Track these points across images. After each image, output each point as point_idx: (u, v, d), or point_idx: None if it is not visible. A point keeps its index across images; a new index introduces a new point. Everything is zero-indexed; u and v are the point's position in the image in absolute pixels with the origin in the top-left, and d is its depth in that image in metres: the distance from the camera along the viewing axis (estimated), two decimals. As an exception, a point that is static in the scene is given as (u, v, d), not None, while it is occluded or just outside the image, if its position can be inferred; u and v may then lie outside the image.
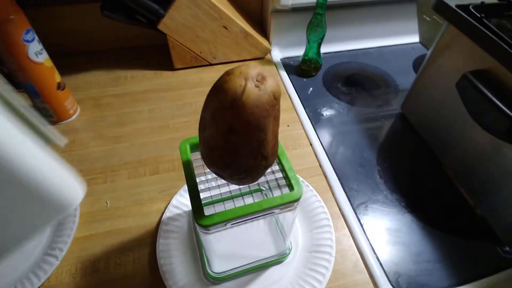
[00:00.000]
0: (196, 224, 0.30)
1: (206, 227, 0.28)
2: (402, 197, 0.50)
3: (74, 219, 0.43)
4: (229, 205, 0.30)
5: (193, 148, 0.34)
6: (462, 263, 0.43)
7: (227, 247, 0.41)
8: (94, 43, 0.70)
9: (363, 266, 0.42)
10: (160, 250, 0.41)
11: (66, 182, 0.24)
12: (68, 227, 0.43)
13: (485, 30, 0.41)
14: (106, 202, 0.47)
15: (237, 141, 0.24)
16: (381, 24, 0.77)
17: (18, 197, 0.21)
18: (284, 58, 0.73)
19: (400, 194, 0.50)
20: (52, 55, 0.52)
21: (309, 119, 0.60)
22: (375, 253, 0.43)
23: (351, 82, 0.69)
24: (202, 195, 0.30)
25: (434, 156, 0.55)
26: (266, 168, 0.29)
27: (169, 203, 0.46)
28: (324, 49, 0.72)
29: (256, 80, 0.23)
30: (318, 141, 0.56)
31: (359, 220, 0.46)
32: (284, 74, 0.69)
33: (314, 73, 0.69)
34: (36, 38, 0.48)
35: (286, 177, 0.32)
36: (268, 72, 0.24)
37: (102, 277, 0.40)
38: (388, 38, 0.78)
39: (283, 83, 0.67)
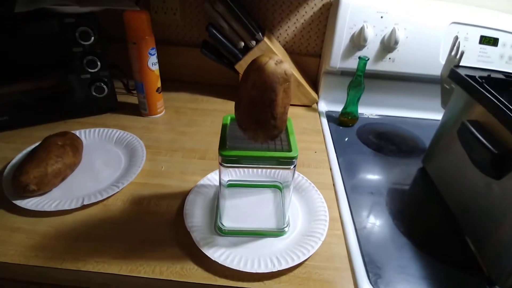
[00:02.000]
0: (219, 160, 0.42)
1: (225, 157, 0.41)
2: (401, 223, 0.54)
3: (138, 169, 0.59)
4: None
5: (232, 120, 0.48)
6: None
7: (238, 211, 0.51)
8: (191, 76, 0.95)
9: (347, 260, 0.47)
10: (188, 200, 0.53)
11: None
12: (132, 172, 0.58)
13: (482, 90, 0.50)
14: (162, 166, 0.62)
15: (256, 94, 0.38)
16: (418, 98, 0.87)
17: None
18: (328, 110, 0.87)
19: (401, 221, 0.55)
20: (161, 77, 0.76)
21: (335, 152, 0.70)
22: (362, 256, 0.48)
23: (382, 137, 0.78)
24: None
25: (444, 202, 0.59)
26: (275, 128, 0.41)
27: (204, 177, 0.59)
28: (363, 110, 0.85)
29: (276, 61, 0.38)
30: (338, 167, 0.65)
31: (355, 228, 0.52)
32: (324, 120, 0.82)
33: (350, 124, 0.81)
34: (156, 54, 0.73)
35: (289, 144, 0.43)
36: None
37: (143, 209, 0.53)
38: (424, 112, 0.88)
39: (321, 125, 0.80)
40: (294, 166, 0.43)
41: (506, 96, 0.49)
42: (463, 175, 0.54)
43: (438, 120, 0.86)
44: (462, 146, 0.52)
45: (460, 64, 0.62)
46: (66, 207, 0.50)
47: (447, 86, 0.65)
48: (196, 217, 0.50)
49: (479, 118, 0.51)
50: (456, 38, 0.63)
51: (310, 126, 0.79)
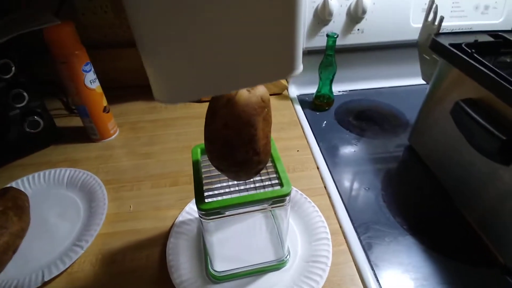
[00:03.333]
0: (199, 213, 0.35)
1: (205, 211, 0.33)
2: (404, 220, 0.51)
3: (101, 217, 0.50)
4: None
5: (203, 152, 0.40)
6: None
7: (229, 248, 0.45)
8: (139, 79, 0.82)
9: (360, 280, 0.43)
10: (170, 247, 0.46)
11: (300, 51, 0.23)
12: (95, 223, 0.49)
13: (473, 63, 0.45)
14: (130, 206, 0.53)
15: (231, 134, 0.30)
16: (392, 66, 0.82)
17: (276, 28, 0.20)
18: (300, 95, 0.80)
19: (403, 218, 0.51)
20: (104, 87, 0.64)
21: (318, 146, 0.64)
22: (373, 269, 0.44)
23: (362, 117, 0.73)
24: (206, 194, 0.35)
25: (439, 184, 0.56)
26: (259, 164, 0.34)
27: (183, 210, 0.51)
28: (337, 87, 0.79)
29: (247, 88, 0.30)
30: (325, 164, 0.59)
31: (359, 238, 0.48)
32: (298, 108, 0.75)
33: (327, 108, 0.75)
34: (92, 69, 0.60)
35: (278, 177, 0.36)
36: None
37: (118, 268, 0.45)
38: (400, 79, 0.83)
39: (297, 115, 0.73)
40: (289, 201, 0.36)
41: (502, 66, 0.45)
42: (461, 157, 0.50)
43: (414, 85, 0.83)
44: (459, 129, 0.48)
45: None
46: (24, 289, 0.41)
47: (427, 57, 0.60)
48: (183, 268, 0.43)
49: (474, 95, 0.47)
50: (432, 1, 0.57)
51: (286, 119, 0.72)
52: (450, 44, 0.51)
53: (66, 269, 0.44)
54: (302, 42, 0.24)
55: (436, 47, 0.53)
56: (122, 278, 0.43)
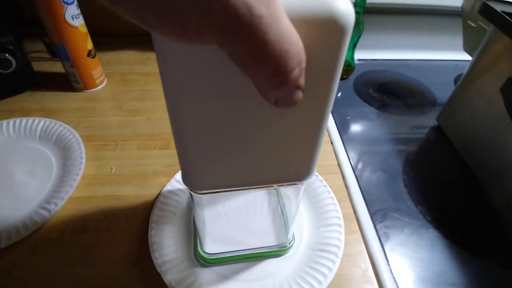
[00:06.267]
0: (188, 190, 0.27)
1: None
2: (428, 210, 0.44)
3: (76, 178, 0.42)
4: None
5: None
6: (494, 293, 0.37)
7: (223, 226, 0.38)
8: (132, 26, 0.72)
9: (374, 276, 0.36)
10: (153, 220, 0.38)
11: (317, 161, 0.25)
12: (68, 184, 0.42)
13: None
14: (112, 168, 0.46)
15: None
16: (423, 36, 0.73)
17: None
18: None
19: (426, 207, 0.44)
20: (92, 33, 0.54)
21: (333, 118, 0.56)
22: (388, 264, 0.38)
23: (384, 90, 0.65)
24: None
25: (469, 172, 0.49)
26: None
27: (172, 178, 0.44)
28: (359, 55, 0.69)
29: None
30: (340, 139, 0.52)
31: (374, 226, 0.41)
32: (313, 74, 0.66)
33: (345, 76, 0.66)
34: (76, 2, 0.50)
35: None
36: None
37: (90, 238, 0.38)
38: (430, 51, 0.74)
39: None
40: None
41: None
42: (503, 143, 0.43)
43: (446, 60, 0.73)
44: (507, 109, 0.39)
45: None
46: (-27, 257, 0.34)
47: (472, 24, 0.50)
48: (167, 246, 0.36)
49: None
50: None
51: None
52: (503, 12, 0.41)
53: (29, 235, 0.37)
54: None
55: (486, 12, 0.44)
56: (94, 252, 0.37)
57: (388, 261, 0.38)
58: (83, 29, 0.53)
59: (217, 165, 0.23)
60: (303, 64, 0.16)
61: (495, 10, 0.42)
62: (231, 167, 0.24)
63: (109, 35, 0.70)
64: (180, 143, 0.22)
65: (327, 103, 0.21)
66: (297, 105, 0.18)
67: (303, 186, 0.30)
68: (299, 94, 0.17)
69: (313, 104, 0.21)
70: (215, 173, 0.24)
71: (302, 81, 0.17)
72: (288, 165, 0.24)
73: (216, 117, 0.20)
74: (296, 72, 0.16)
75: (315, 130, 0.22)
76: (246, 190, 0.30)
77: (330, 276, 0.34)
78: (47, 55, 0.66)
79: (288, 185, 0.28)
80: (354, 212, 0.42)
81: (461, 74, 0.70)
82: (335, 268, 0.35)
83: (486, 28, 0.48)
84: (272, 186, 0.29)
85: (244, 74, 0.17)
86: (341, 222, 0.39)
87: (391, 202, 0.45)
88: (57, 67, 0.62)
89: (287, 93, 0.17)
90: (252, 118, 0.20)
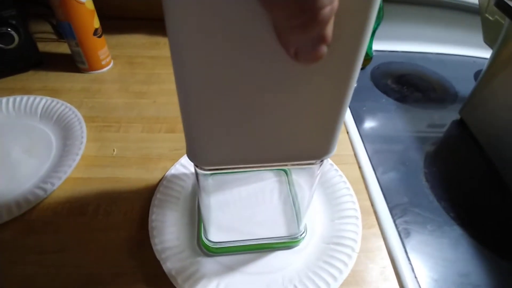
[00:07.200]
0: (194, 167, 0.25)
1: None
2: (451, 207, 0.41)
3: (75, 157, 0.40)
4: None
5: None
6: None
7: (229, 214, 0.35)
8: (141, 11, 0.70)
9: (393, 274, 0.33)
10: (155, 204, 0.36)
11: (338, 137, 0.23)
12: (67, 164, 0.39)
13: None
14: (114, 149, 0.43)
15: None
16: (442, 30, 0.69)
17: None
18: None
19: (450, 203, 0.41)
20: (99, 15, 0.52)
21: (349, 107, 0.53)
22: (410, 262, 0.34)
23: (403, 81, 0.61)
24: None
25: (494, 167, 0.45)
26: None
27: (177, 162, 0.41)
28: (377, 46, 0.66)
29: None
30: (356, 130, 0.48)
31: (394, 221, 0.38)
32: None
33: (362, 66, 0.63)
34: (82, -23, 0.48)
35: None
36: None
37: (87, 222, 0.35)
38: (449, 45, 0.70)
39: (326, 71, 0.61)
40: (322, 161, 0.26)
41: None
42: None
43: (467, 56, 0.70)
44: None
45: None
46: (-39, 235, 0.32)
47: (490, 17, 0.47)
48: (168, 232, 0.34)
49: None
50: None
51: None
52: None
53: (22, 215, 0.35)
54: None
55: (502, 5, 0.40)
56: (90, 236, 0.34)
57: (409, 259, 0.35)
58: (90, 5, 0.50)
59: (226, 136, 0.21)
60: (336, 4, 0.13)
61: (508, 4, 0.39)
62: (241, 138, 0.21)
63: (117, 19, 0.68)
64: (186, 108, 0.20)
65: (354, 66, 0.18)
66: (320, 63, 0.15)
67: (319, 173, 0.27)
68: (323, 49, 0.15)
69: (339, 65, 0.18)
70: (224, 145, 0.21)
71: (329, 30, 0.14)
72: (305, 139, 0.22)
73: (226, 74, 0.17)
74: (326, 11, 0.13)
75: (339, 99, 0.20)
76: (256, 171, 0.27)
77: (346, 271, 0.31)
78: (54, 36, 0.64)
79: (304, 164, 0.25)
80: (372, 205, 0.39)
81: (480, 70, 0.67)
82: (351, 263, 0.32)
83: (502, 22, 0.44)
84: (286, 165, 0.26)
85: (262, 7, 0.14)
86: (358, 214, 0.36)
87: (411, 197, 0.41)
88: (62, 48, 0.60)
89: (311, 41, 0.14)
90: (267, 78, 0.17)
